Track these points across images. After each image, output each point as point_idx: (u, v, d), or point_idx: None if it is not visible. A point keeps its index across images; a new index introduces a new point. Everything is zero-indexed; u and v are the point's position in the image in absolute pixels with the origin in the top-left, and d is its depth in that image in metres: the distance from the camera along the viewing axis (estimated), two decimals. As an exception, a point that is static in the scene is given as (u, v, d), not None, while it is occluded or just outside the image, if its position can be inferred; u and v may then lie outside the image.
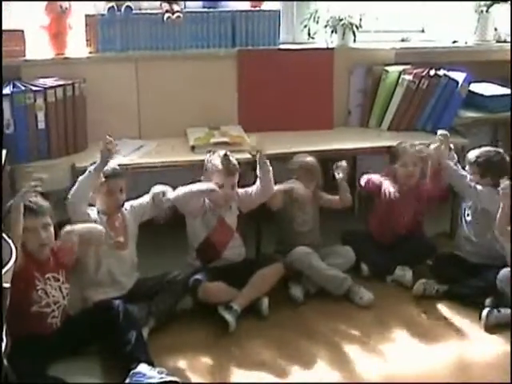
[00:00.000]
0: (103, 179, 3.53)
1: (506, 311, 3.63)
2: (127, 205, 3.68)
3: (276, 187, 3.91)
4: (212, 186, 3.69)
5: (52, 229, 3.24)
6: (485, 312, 3.63)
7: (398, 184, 4.13)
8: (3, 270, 2.48)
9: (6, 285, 2.42)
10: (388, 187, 4.07)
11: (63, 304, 3.26)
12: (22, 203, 3.01)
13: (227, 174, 3.75)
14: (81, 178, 3.44)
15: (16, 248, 2.71)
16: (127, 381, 3.03)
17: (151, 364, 3.12)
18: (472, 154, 3.99)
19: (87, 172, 3.43)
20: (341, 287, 3.84)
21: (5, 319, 2.49)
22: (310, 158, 4.04)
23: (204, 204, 3.77)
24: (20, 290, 3.01)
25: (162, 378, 3.02)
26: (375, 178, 4.16)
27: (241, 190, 3.88)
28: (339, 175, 4.02)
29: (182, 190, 3.69)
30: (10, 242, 2.75)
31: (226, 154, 3.77)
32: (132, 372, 3.05)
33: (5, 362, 2.56)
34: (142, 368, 3.05)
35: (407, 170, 4.10)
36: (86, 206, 3.50)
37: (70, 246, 3.29)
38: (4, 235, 2.78)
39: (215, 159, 3.77)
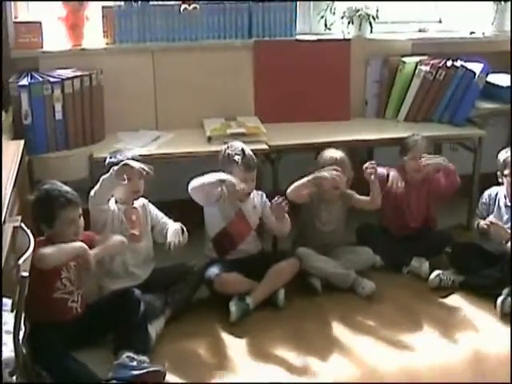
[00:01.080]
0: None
1: (521, 301, 3.64)
2: (145, 201, 3.70)
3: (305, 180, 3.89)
4: (232, 180, 3.67)
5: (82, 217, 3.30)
6: (499, 300, 3.64)
7: (407, 176, 4.13)
8: (21, 259, 2.52)
9: (25, 273, 2.45)
10: (395, 179, 4.06)
11: (82, 289, 3.32)
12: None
13: (247, 169, 3.75)
14: (103, 177, 3.43)
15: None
16: (110, 374, 3.05)
17: (144, 352, 3.15)
18: (509, 154, 3.93)
19: (109, 173, 3.41)
20: (345, 282, 3.87)
21: (23, 306, 2.52)
22: (340, 154, 3.96)
23: (222, 193, 3.75)
24: (44, 278, 3.06)
25: (144, 368, 3.04)
26: (380, 170, 4.09)
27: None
28: (371, 177, 3.95)
29: (199, 180, 3.69)
30: (28, 231, 2.79)
31: (243, 150, 3.77)
32: (115, 363, 3.08)
33: (23, 350, 2.60)
34: (124, 360, 3.07)
35: (416, 163, 4.09)
36: (107, 204, 3.52)
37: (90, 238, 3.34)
38: (22, 225, 2.83)
39: (233, 153, 3.76)
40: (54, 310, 3.20)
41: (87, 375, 3.02)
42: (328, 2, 4.54)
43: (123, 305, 3.30)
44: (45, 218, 3.20)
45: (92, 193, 3.47)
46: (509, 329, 3.53)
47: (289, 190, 3.89)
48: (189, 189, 3.69)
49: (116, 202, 3.60)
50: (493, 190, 4.05)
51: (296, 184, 3.89)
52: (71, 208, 3.20)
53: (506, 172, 3.91)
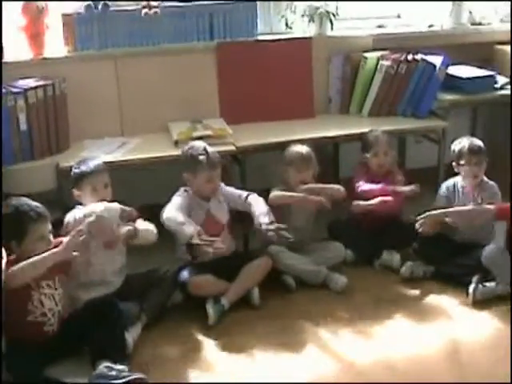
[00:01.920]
0: (87, 177, 3.53)
1: (491, 285, 3.70)
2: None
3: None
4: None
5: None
6: (471, 288, 3.69)
7: (370, 172, 4.18)
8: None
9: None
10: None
11: (57, 310, 3.23)
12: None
13: (212, 168, 3.76)
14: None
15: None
16: None
17: (122, 361, 3.12)
18: (464, 144, 3.98)
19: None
20: (317, 278, 3.90)
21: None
22: (304, 148, 4.02)
23: (188, 205, 3.77)
24: (16, 300, 3.01)
25: (124, 377, 3.01)
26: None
27: (229, 191, 3.90)
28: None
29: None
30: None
31: (205, 149, 3.78)
32: (93, 374, 3.04)
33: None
34: (103, 371, 3.04)
35: (379, 159, 4.15)
36: None
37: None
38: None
39: (196, 154, 3.77)
40: (28, 333, 3.12)
41: None
42: (288, 2, 4.56)
43: (99, 315, 3.24)
44: (14, 235, 3.10)
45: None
46: (482, 314, 3.59)
47: (273, 196, 3.93)
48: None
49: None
50: (450, 182, 4.10)
51: (283, 195, 3.95)
52: (41, 222, 3.13)
53: (462, 162, 3.96)
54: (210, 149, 3.79)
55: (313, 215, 4.12)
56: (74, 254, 3.10)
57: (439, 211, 3.81)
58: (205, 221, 3.80)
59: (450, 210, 3.85)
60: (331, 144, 4.75)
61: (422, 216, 3.78)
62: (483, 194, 3.95)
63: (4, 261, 2.75)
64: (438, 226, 3.82)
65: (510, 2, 4.91)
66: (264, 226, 3.66)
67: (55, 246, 3.15)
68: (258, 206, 3.80)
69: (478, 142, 4.00)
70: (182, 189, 3.83)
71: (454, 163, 4.03)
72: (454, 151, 4.01)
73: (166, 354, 3.34)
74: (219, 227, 3.86)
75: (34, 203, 3.17)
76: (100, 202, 3.46)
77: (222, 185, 3.92)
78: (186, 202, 3.78)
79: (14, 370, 2.82)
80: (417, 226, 3.77)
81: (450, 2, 4.91)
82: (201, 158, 3.74)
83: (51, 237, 3.21)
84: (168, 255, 3.87)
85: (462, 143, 3.99)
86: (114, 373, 3.02)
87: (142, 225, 3.58)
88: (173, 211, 3.67)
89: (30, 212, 3.11)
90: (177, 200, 3.77)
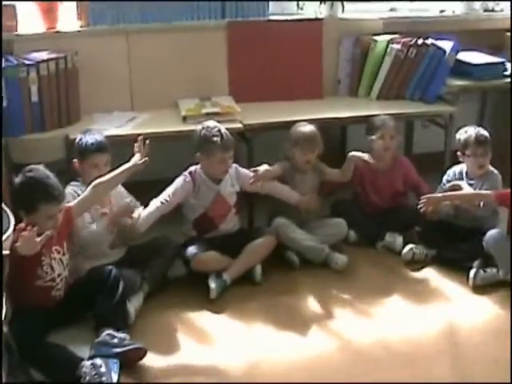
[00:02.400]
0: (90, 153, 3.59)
1: (492, 271, 3.73)
2: None
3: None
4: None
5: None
6: (472, 273, 3.73)
7: (376, 156, 4.20)
8: (3, 238, 2.56)
9: (5, 252, 2.49)
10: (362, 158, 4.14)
11: (65, 275, 3.31)
12: None
13: (225, 150, 3.79)
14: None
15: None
16: (92, 352, 3.07)
17: (124, 329, 3.19)
18: (470, 134, 3.99)
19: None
20: (319, 256, 3.94)
21: (5, 288, 2.57)
22: (310, 127, 4.05)
23: (194, 186, 3.83)
24: (25, 265, 3.06)
25: (126, 345, 3.07)
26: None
27: (245, 173, 3.96)
28: (352, 155, 4.12)
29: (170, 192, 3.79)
30: (8, 211, 2.83)
31: (220, 131, 3.80)
32: (95, 341, 3.11)
33: (5, 329, 2.63)
34: (105, 338, 3.10)
35: (385, 142, 4.17)
36: None
37: (70, 218, 3.34)
38: (3, 206, 2.87)
39: (210, 135, 3.79)
40: (35, 298, 3.18)
41: (67, 358, 3.02)
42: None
43: (102, 283, 3.31)
44: (24, 207, 3.13)
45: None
46: (482, 299, 3.64)
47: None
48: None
49: (81, 184, 3.61)
50: (457, 168, 4.12)
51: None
52: (53, 204, 3.13)
53: (468, 152, 3.98)
54: (224, 130, 3.82)
55: (316, 190, 4.16)
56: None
57: (440, 194, 3.88)
58: (213, 201, 3.86)
59: (450, 193, 3.89)
60: (339, 126, 4.77)
61: (423, 198, 3.82)
62: (487, 182, 3.97)
63: (10, 230, 2.80)
64: (440, 208, 3.89)
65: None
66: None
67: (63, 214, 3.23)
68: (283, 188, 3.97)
69: (484, 132, 4.00)
70: (187, 171, 3.87)
71: (458, 152, 4.04)
72: (459, 140, 4.03)
73: (166, 325, 3.40)
74: (227, 207, 3.91)
75: (51, 181, 3.15)
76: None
77: (237, 167, 3.96)
78: (187, 185, 3.82)
79: (17, 335, 2.87)
80: (419, 207, 3.81)
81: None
82: (215, 139, 3.77)
83: (60, 216, 3.23)
84: (174, 228, 3.91)
85: (468, 133, 3.99)
86: (115, 340, 3.09)
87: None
88: (150, 209, 3.72)
89: (43, 191, 3.11)
90: (176, 185, 3.82)
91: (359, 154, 4.14)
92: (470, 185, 3.95)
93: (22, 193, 3.15)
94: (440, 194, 3.91)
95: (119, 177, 3.48)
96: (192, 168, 3.88)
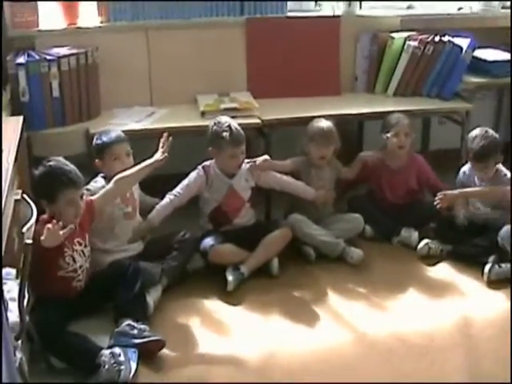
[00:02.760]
0: (108, 147, 3.66)
1: (506, 266, 3.76)
2: None
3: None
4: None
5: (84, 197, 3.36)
6: (487, 268, 3.76)
7: (390, 153, 4.25)
8: (25, 228, 2.63)
9: (29, 241, 2.55)
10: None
11: (86, 267, 3.37)
12: None
13: (236, 145, 3.84)
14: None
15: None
16: (111, 341, 3.14)
17: (143, 320, 3.25)
18: (476, 144, 3.97)
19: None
20: (335, 251, 3.98)
21: (28, 277, 2.63)
22: (327, 123, 4.09)
23: (207, 180, 3.90)
24: (48, 256, 3.12)
25: (145, 336, 3.13)
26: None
27: (273, 174, 4.02)
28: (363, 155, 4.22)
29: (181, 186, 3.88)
30: (31, 202, 2.90)
31: (230, 126, 3.85)
32: (115, 331, 3.17)
33: (27, 318, 2.70)
34: (125, 328, 3.16)
35: (400, 139, 4.20)
36: None
37: (92, 211, 3.43)
38: (26, 196, 2.93)
39: (220, 130, 3.84)
40: (57, 288, 3.25)
41: (87, 347, 3.08)
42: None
43: (121, 275, 3.38)
44: (45, 195, 3.22)
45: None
46: (496, 294, 3.67)
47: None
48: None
49: (105, 178, 3.68)
50: (467, 167, 4.15)
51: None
52: (72, 189, 3.22)
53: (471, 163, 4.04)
54: (234, 125, 3.86)
55: (332, 186, 4.20)
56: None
57: (455, 191, 3.94)
58: (226, 195, 3.92)
59: (466, 190, 3.95)
60: (356, 122, 4.81)
61: (439, 194, 3.86)
62: (496, 183, 3.99)
63: (33, 220, 2.86)
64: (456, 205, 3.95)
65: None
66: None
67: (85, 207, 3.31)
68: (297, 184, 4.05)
69: (488, 144, 3.93)
70: (201, 165, 3.93)
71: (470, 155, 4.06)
72: (468, 144, 4.04)
73: (184, 317, 3.45)
74: (240, 202, 3.97)
75: (69, 167, 3.26)
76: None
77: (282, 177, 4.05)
78: (200, 178, 3.90)
79: (39, 323, 2.93)
80: (435, 203, 3.85)
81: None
82: (224, 134, 3.82)
83: (82, 201, 3.31)
84: (192, 222, 3.97)
85: (474, 142, 3.97)
86: (135, 331, 3.14)
87: None
88: (166, 200, 3.83)
89: (62, 177, 3.20)
90: (189, 178, 3.90)
91: (369, 153, 4.20)
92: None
93: (42, 182, 3.23)
94: (455, 191, 3.95)
95: (141, 172, 3.57)
96: (207, 162, 3.94)
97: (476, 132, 4.02)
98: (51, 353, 3.03)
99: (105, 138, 3.67)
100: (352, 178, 4.29)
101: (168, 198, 3.83)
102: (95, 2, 4.24)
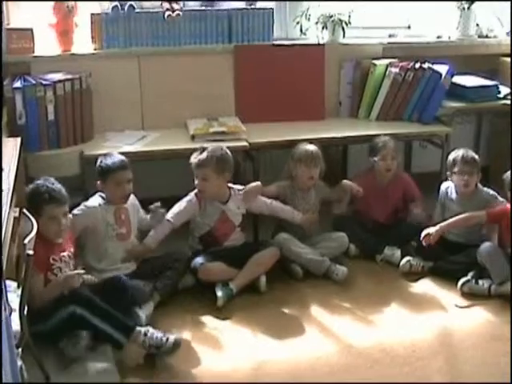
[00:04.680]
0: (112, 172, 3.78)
1: (483, 285, 3.90)
2: (133, 197, 3.93)
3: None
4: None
5: (69, 216, 3.53)
6: (461, 281, 3.93)
7: (377, 176, 4.43)
8: (27, 239, 2.75)
9: (30, 252, 2.68)
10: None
11: None
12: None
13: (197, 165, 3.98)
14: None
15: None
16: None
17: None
18: (458, 154, 4.21)
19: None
20: (320, 268, 4.11)
21: (28, 285, 2.75)
22: (313, 147, 4.24)
23: (200, 205, 4.03)
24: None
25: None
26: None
27: (263, 200, 4.16)
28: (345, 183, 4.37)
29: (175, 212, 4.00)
30: (30, 217, 3.03)
31: (202, 147, 4.03)
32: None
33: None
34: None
35: (386, 163, 4.38)
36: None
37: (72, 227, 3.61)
38: (26, 212, 3.06)
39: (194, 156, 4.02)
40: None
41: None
42: (303, 8, 4.81)
43: (112, 291, 3.50)
44: (33, 210, 3.30)
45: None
46: (474, 308, 3.81)
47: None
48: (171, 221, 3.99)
49: (104, 201, 3.82)
50: (445, 185, 4.36)
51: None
52: (53, 205, 3.39)
53: (455, 170, 4.19)
54: (203, 152, 4.01)
55: (317, 208, 4.36)
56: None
57: (436, 228, 4.07)
58: (218, 220, 4.05)
59: (447, 223, 4.10)
60: (340, 145, 4.98)
61: (423, 234, 4.07)
62: (475, 201, 4.18)
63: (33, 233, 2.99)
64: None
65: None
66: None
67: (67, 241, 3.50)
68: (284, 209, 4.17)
69: (472, 154, 4.22)
70: (193, 193, 4.05)
71: (448, 172, 4.27)
72: (449, 160, 4.25)
73: (176, 331, 3.52)
74: (231, 227, 4.10)
75: (54, 186, 3.44)
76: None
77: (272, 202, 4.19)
78: (192, 206, 4.02)
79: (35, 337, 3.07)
80: (422, 242, 4.06)
81: (458, 15, 5.12)
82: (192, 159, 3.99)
83: (65, 221, 3.46)
84: (182, 241, 4.11)
85: (456, 153, 4.22)
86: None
87: None
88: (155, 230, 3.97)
89: (45, 194, 3.40)
90: (182, 205, 4.03)
91: (350, 183, 4.36)
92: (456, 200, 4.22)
93: (30, 198, 3.42)
94: (436, 228, 4.07)
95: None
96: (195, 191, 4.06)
97: (456, 150, 4.24)
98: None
99: (110, 162, 3.79)
100: (334, 199, 4.42)
101: (163, 223, 3.96)
102: (89, 30, 4.40)
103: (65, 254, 3.48)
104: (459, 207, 4.21)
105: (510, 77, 4.85)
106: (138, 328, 3.30)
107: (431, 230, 4.06)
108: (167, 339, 3.28)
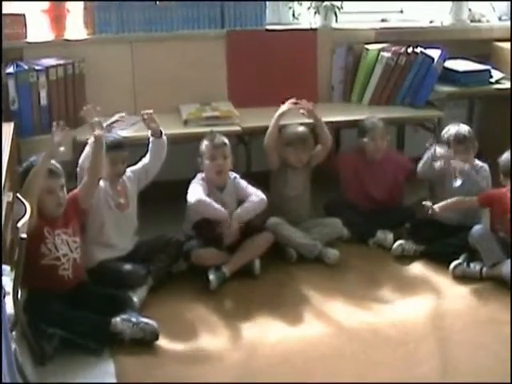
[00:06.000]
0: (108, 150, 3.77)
1: (474, 267, 3.94)
2: (128, 170, 3.95)
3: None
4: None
5: (65, 190, 3.51)
6: (453, 264, 3.95)
7: (367, 157, 4.45)
8: (20, 223, 2.77)
9: (23, 235, 2.70)
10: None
11: (72, 257, 3.49)
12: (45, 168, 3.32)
13: (214, 147, 3.99)
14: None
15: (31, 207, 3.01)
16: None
17: None
18: (451, 133, 4.23)
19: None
20: (312, 252, 4.13)
21: (21, 271, 2.78)
22: (302, 128, 4.27)
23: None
24: (32, 246, 3.21)
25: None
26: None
27: (242, 186, 4.12)
28: (315, 119, 4.31)
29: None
30: (24, 201, 3.04)
31: (211, 131, 4.05)
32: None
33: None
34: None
35: (376, 143, 4.40)
36: None
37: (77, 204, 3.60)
38: (19, 195, 3.08)
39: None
40: (44, 278, 3.37)
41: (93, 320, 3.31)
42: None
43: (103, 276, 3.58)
44: (25, 187, 3.35)
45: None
46: (464, 290, 3.85)
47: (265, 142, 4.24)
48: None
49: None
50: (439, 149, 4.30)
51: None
52: (51, 178, 3.39)
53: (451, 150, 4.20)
54: (217, 134, 4.04)
55: (308, 185, 4.38)
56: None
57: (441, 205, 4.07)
58: None
59: (440, 205, 4.08)
60: (332, 129, 4.97)
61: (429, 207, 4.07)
62: (477, 176, 4.16)
63: (27, 216, 3.00)
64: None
65: (508, 2, 5.15)
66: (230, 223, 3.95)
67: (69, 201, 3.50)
68: (248, 204, 4.04)
69: (464, 130, 4.23)
70: (200, 176, 4.07)
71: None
72: (442, 139, 4.27)
73: (169, 315, 3.57)
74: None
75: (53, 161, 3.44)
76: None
77: (237, 177, 4.15)
78: (205, 189, 4.02)
79: (39, 315, 3.09)
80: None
81: (451, 0, 5.14)
82: (205, 143, 4.01)
83: (63, 193, 3.48)
84: (176, 227, 4.13)
85: (449, 132, 4.24)
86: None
87: None
88: (203, 196, 3.92)
89: None
90: (199, 187, 4.00)
91: None
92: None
93: (24, 175, 3.39)
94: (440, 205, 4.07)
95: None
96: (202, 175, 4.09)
97: (448, 126, 4.28)
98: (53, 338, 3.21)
99: (108, 140, 3.79)
100: (326, 149, 4.35)
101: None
102: (81, 16, 4.40)
103: (59, 231, 3.48)
104: (460, 183, 4.21)
105: (510, 63, 4.83)
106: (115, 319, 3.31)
107: (436, 207, 4.04)
108: (146, 328, 3.31)
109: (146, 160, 4.00)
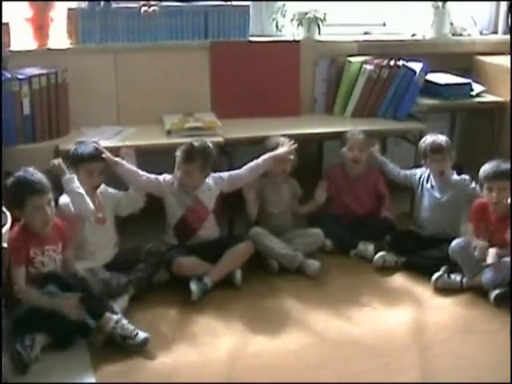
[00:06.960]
0: (85, 161, 3.81)
1: (455, 278, 3.96)
2: (103, 187, 3.95)
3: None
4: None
5: (53, 204, 3.51)
6: (434, 276, 3.97)
7: (346, 168, 4.50)
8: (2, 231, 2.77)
9: (5, 244, 2.70)
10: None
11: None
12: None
13: (185, 160, 4.00)
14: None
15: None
16: None
17: None
18: (427, 143, 4.29)
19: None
20: (293, 263, 4.14)
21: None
22: (285, 139, 4.27)
23: (172, 185, 4.06)
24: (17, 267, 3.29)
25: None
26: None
27: (225, 174, 4.17)
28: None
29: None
30: (4, 210, 3.04)
31: (190, 143, 4.03)
32: None
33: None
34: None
35: (353, 153, 4.43)
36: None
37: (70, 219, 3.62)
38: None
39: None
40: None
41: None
42: (279, 5, 4.85)
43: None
44: (15, 204, 3.38)
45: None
46: (445, 301, 3.87)
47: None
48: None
49: None
50: (418, 171, 4.46)
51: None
52: (36, 196, 3.38)
53: (428, 160, 4.30)
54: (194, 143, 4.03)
55: (290, 202, 4.42)
56: None
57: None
58: (191, 205, 4.07)
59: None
60: (315, 141, 5.02)
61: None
62: (452, 188, 4.27)
63: (7, 225, 3.00)
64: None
65: (489, 17, 5.20)
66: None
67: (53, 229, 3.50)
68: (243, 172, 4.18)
69: (441, 140, 4.29)
70: (172, 177, 4.08)
71: (422, 161, 4.36)
72: (420, 149, 4.33)
73: (150, 324, 3.54)
74: (205, 212, 4.11)
75: (36, 177, 3.44)
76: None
77: (213, 174, 4.14)
78: (167, 183, 4.05)
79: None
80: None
81: (433, 14, 5.18)
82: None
83: (51, 209, 3.46)
84: (157, 237, 4.13)
85: (426, 141, 4.30)
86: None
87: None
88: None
89: (26, 186, 3.40)
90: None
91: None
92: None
93: (11, 190, 3.41)
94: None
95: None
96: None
97: (425, 138, 4.34)
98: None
99: (83, 151, 3.82)
100: (319, 203, 4.45)
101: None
102: (65, 25, 4.39)
103: (49, 247, 3.48)
104: (439, 194, 4.30)
105: (510, 76, 4.83)
106: (110, 314, 3.34)
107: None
108: (136, 334, 3.32)
109: (129, 192, 4.04)
